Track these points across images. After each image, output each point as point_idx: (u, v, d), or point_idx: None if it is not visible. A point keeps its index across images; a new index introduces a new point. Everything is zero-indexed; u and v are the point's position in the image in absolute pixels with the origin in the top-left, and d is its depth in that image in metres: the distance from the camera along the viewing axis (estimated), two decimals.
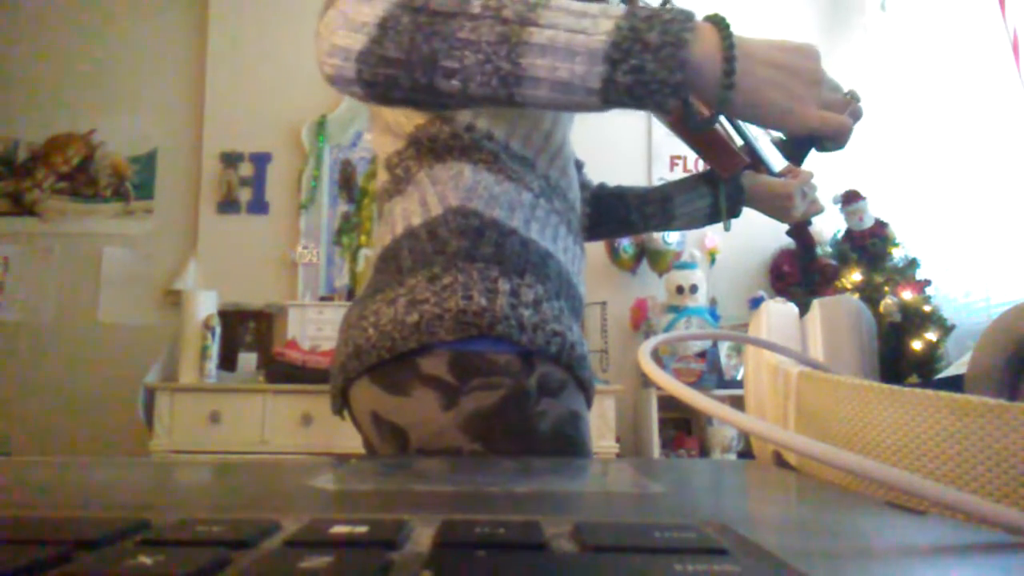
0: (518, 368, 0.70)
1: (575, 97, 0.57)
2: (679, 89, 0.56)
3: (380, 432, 0.73)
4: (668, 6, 0.58)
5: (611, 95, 0.57)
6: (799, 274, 2.96)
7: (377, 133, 0.81)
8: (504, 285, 0.71)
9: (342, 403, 0.78)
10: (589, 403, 0.79)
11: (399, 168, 0.78)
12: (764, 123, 0.63)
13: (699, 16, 0.59)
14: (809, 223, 1.04)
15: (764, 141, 0.91)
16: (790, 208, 0.99)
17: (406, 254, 0.74)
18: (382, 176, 0.81)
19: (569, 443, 0.73)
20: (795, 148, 0.69)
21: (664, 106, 0.57)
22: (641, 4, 0.64)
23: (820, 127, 0.61)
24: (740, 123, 0.84)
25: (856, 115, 0.69)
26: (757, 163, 0.94)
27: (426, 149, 0.76)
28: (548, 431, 0.71)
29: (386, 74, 0.59)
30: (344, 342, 0.76)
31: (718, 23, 0.58)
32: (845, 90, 0.69)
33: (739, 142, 0.88)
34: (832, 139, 0.63)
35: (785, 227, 1.05)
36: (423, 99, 0.61)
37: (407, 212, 0.75)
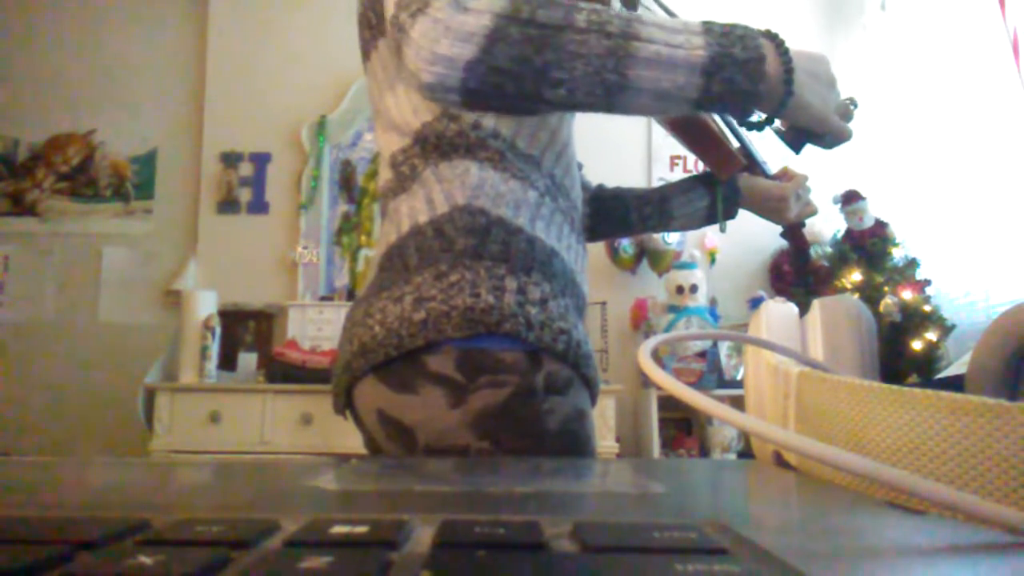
0: (525, 366, 0.70)
1: (671, 104, 0.63)
2: (758, 98, 0.63)
3: (386, 431, 0.73)
4: (732, 22, 0.66)
5: (703, 103, 0.63)
6: (793, 275, 2.97)
7: (381, 131, 0.81)
8: (511, 283, 0.71)
9: (346, 402, 0.78)
10: (594, 401, 0.79)
11: (404, 166, 0.78)
12: (799, 122, 0.70)
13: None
14: (803, 225, 1.05)
15: (760, 144, 0.92)
16: (784, 210, 1.00)
17: (412, 252, 0.74)
18: (386, 174, 0.81)
19: (575, 441, 0.73)
20: (795, 138, 0.77)
21: (746, 112, 0.65)
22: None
23: (835, 132, 0.71)
24: (736, 126, 0.85)
25: (848, 118, 0.76)
26: (752, 165, 0.94)
27: (432, 147, 0.76)
28: (555, 429, 0.71)
29: (494, 83, 0.60)
30: (348, 340, 0.76)
31: (773, 37, 0.65)
32: (843, 95, 0.75)
33: (735, 144, 0.89)
34: (831, 141, 0.73)
35: (779, 228, 1.06)
36: (524, 106, 0.63)
37: (413, 210, 0.76)
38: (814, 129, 0.71)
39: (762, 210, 1.02)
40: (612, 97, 0.61)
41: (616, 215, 1.03)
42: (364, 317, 0.74)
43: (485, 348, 0.70)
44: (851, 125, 0.75)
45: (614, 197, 1.03)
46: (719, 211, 1.01)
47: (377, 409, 0.73)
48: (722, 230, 1.02)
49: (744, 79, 0.62)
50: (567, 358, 0.73)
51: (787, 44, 0.65)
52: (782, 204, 1.00)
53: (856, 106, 0.77)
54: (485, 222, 0.73)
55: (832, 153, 0.78)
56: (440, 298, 0.70)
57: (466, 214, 0.73)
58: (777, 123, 0.74)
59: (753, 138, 0.91)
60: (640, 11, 0.80)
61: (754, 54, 0.62)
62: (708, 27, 0.62)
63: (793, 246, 1.08)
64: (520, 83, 0.60)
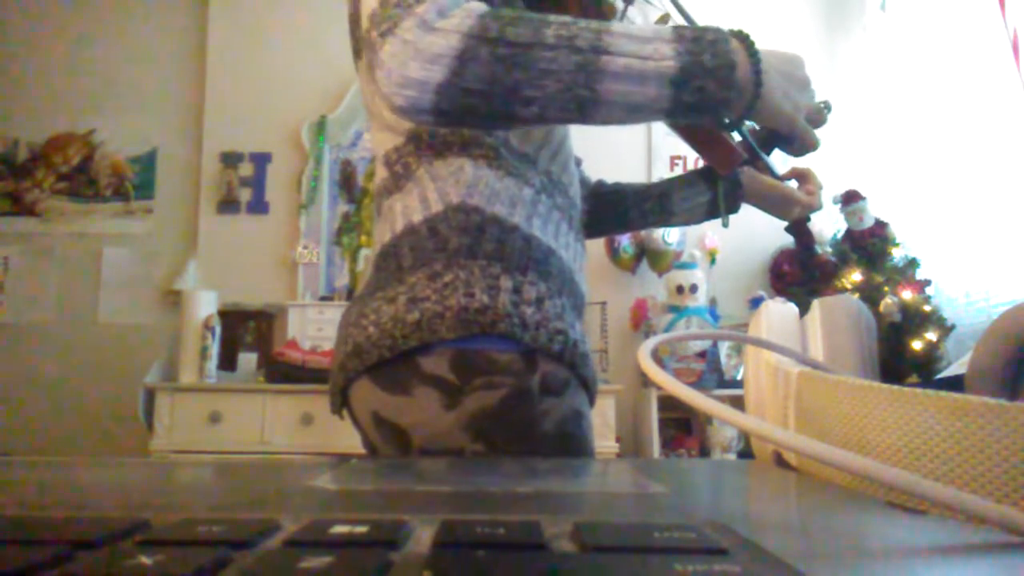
0: (520, 367, 0.70)
1: (643, 116, 0.63)
2: (730, 104, 0.62)
3: (381, 432, 0.73)
4: (704, 26, 0.65)
5: (675, 113, 0.63)
6: (799, 270, 2.96)
7: (375, 130, 0.81)
8: (506, 282, 0.71)
9: (342, 403, 0.78)
10: (592, 401, 0.79)
11: (398, 165, 0.77)
12: (768, 124, 0.69)
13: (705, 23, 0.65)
14: (808, 219, 1.04)
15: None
16: (789, 205, 0.99)
17: (406, 251, 0.73)
18: (381, 173, 0.80)
19: (572, 442, 0.72)
20: (765, 139, 0.77)
21: (719, 118, 0.64)
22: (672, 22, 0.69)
23: (797, 131, 0.70)
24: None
25: (822, 122, 0.76)
26: (755, 159, 0.93)
27: (425, 145, 0.75)
28: (551, 430, 0.71)
29: (466, 104, 0.60)
30: (343, 341, 0.76)
31: (744, 39, 0.64)
32: (818, 98, 0.75)
33: (737, 138, 0.88)
34: (800, 148, 0.73)
35: (783, 224, 1.05)
36: (496, 124, 0.63)
37: (407, 209, 0.75)
38: (782, 131, 0.70)
39: (767, 205, 1.01)
40: (584, 111, 0.61)
41: (616, 211, 1.02)
42: (359, 318, 0.74)
43: (479, 349, 0.69)
44: (846, 126, 0.74)
45: (613, 193, 1.03)
46: (721, 206, 1.00)
47: (372, 411, 0.73)
48: (724, 225, 1.01)
49: (716, 86, 0.61)
50: (563, 358, 0.72)
51: (757, 45, 0.64)
52: (787, 199, 0.99)
53: (830, 110, 0.76)
54: (479, 220, 0.72)
55: (832, 153, 0.77)
56: (434, 298, 0.70)
57: (460, 213, 0.72)
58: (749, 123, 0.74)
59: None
60: (652, 13, 0.81)
61: (724, 60, 0.61)
62: (679, 34, 0.62)
63: (798, 241, 1.07)
64: (491, 103, 0.60)
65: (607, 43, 0.60)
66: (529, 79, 0.59)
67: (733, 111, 0.65)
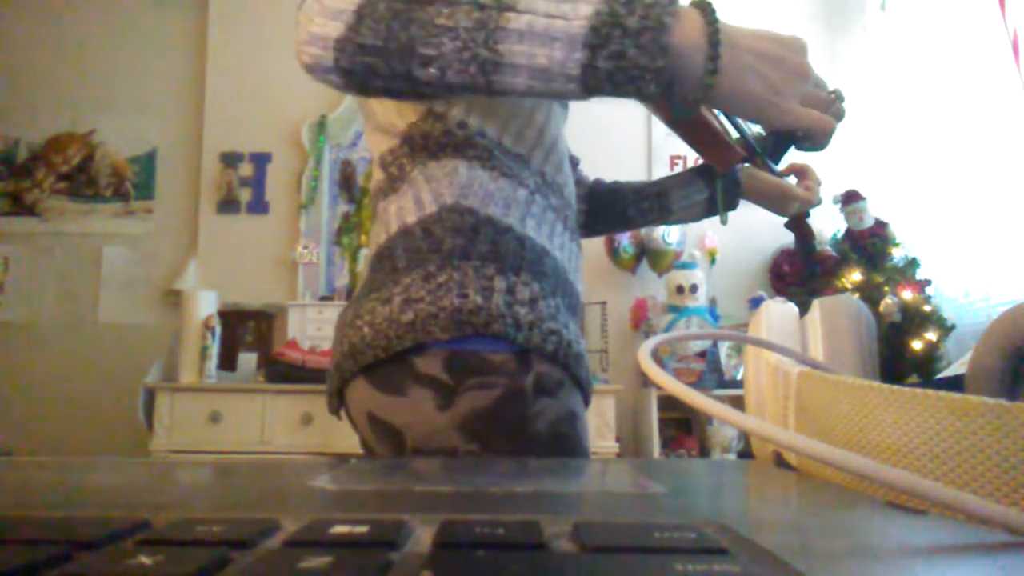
0: (514, 367, 0.70)
1: (555, 85, 0.57)
2: (661, 75, 0.54)
3: (376, 432, 0.73)
4: None
5: (591, 82, 0.56)
6: (799, 265, 2.96)
7: (370, 131, 0.81)
8: (500, 283, 0.71)
9: (339, 403, 0.78)
10: (587, 402, 0.78)
11: (393, 166, 0.77)
12: (742, 114, 0.61)
13: (685, 1, 0.58)
14: (807, 215, 1.03)
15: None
16: (788, 201, 0.99)
17: (401, 253, 0.73)
18: (377, 175, 0.80)
19: (566, 443, 0.72)
20: (773, 144, 0.70)
21: (645, 93, 0.55)
22: None
23: (797, 123, 0.59)
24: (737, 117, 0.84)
25: (838, 115, 0.68)
26: (753, 156, 0.93)
27: (419, 147, 0.75)
28: (545, 431, 0.70)
29: (364, 62, 0.58)
30: (339, 342, 0.76)
31: (703, 8, 0.56)
32: (830, 88, 0.67)
33: (735, 135, 0.88)
34: (811, 138, 0.62)
35: (782, 221, 1.05)
36: (401, 87, 0.60)
37: (401, 210, 0.75)
38: (773, 126, 0.60)
39: (764, 201, 1.00)
40: (488, 76, 0.56)
41: (614, 210, 1.02)
42: (354, 319, 0.74)
43: (473, 349, 0.69)
44: (846, 126, 0.64)
45: (611, 192, 1.03)
46: (719, 204, 1.00)
47: (367, 411, 0.73)
48: (723, 222, 1.01)
49: (637, 52, 0.53)
50: (557, 359, 0.72)
51: (717, 15, 0.56)
52: (786, 195, 0.98)
53: (842, 99, 0.69)
54: (474, 221, 0.72)
55: (832, 153, 0.72)
56: (428, 299, 0.69)
57: (455, 214, 0.72)
58: (756, 128, 0.69)
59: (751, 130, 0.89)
60: None
61: (653, 23, 0.53)
62: None
63: (798, 237, 1.07)
64: (389, 61, 0.57)
65: (516, 0, 0.56)
66: (426, 36, 0.56)
67: (682, 89, 0.56)
